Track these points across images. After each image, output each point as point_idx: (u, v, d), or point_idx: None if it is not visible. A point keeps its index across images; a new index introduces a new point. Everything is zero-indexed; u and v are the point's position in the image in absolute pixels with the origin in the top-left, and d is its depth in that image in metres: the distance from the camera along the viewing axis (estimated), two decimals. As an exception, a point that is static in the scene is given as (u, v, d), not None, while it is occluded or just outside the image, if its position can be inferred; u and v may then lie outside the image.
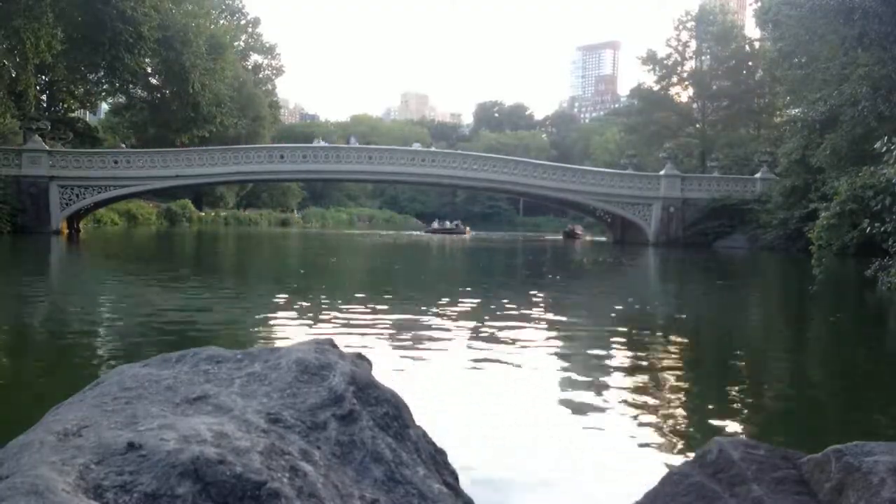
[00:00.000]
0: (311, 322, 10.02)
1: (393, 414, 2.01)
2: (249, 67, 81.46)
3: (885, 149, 15.73)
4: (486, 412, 5.51)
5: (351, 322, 9.98)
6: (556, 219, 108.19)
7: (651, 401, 6.06)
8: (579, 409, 5.63)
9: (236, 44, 75.52)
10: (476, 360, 7.39)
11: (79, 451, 1.58)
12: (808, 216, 29.81)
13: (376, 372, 2.32)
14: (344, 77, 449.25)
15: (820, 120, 33.36)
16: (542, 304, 13.35)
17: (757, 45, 59.87)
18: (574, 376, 6.90)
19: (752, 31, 63.60)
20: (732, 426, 5.45)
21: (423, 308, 11.91)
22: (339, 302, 12.54)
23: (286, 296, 13.53)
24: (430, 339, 8.68)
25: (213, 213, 71.25)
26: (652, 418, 5.48)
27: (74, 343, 8.34)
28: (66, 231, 39.01)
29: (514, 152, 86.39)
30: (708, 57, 62.84)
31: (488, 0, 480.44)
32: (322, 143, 52.49)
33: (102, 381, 2.06)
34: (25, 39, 38.92)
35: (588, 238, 58.03)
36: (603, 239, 53.37)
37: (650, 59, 63.41)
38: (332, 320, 10.09)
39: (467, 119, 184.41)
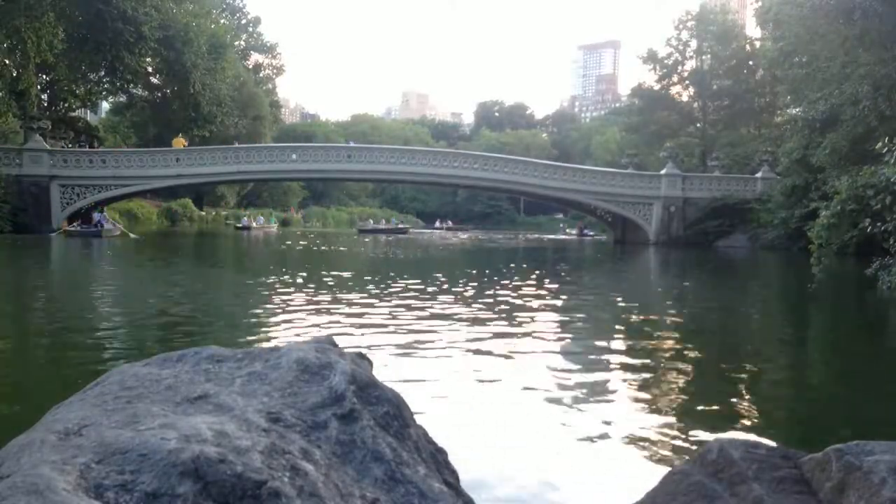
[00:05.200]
0: (311, 321, 10.02)
1: (393, 413, 2.01)
2: (250, 67, 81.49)
3: (885, 150, 15.74)
4: (486, 412, 5.52)
5: (352, 321, 9.98)
6: (558, 217, 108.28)
7: (651, 400, 6.06)
8: (580, 408, 5.63)
9: (237, 43, 75.58)
10: (477, 360, 7.39)
11: (79, 451, 1.58)
12: (808, 215, 29.81)
13: (377, 371, 2.32)
14: (344, 76, 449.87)
15: (821, 119, 33.38)
16: (544, 302, 13.35)
17: (758, 44, 59.86)
18: (575, 376, 6.90)
19: (752, 30, 63.69)
20: (733, 426, 5.45)
21: (424, 306, 11.90)
22: (340, 300, 12.54)
23: (286, 294, 13.52)
24: (432, 337, 8.68)
25: (213, 213, 71.28)
26: (652, 418, 5.48)
27: (75, 342, 8.34)
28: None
29: (515, 152, 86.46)
30: (708, 56, 62.81)
31: (488, 0, 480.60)
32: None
33: (103, 380, 2.06)
34: (26, 39, 38.95)
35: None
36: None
37: (651, 59, 63.42)
38: (333, 319, 10.09)
39: (468, 118, 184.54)
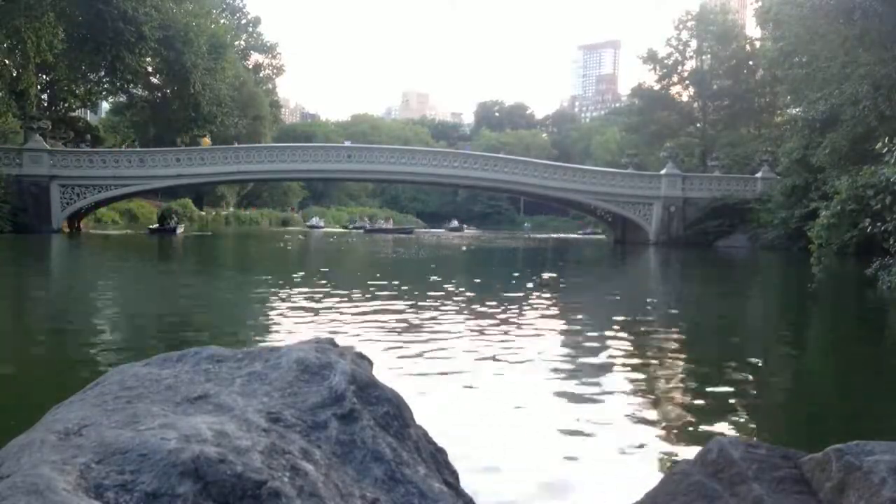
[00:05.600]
0: (311, 321, 10.02)
1: (393, 413, 2.01)
2: (250, 67, 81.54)
3: (885, 150, 15.75)
4: (486, 411, 5.51)
5: (352, 320, 9.98)
6: (558, 217, 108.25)
7: (651, 400, 6.06)
8: (580, 408, 5.63)
9: (237, 43, 75.63)
10: (477, 359, 7.39)
11: (79, 451, 1.58)
12: (808, 215, 29.78)
13: (377, 371, 2.32)
14: (344, 76, 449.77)
15: (821, 119, 33.36)
16: (544, 303, 13.34)
17: (758, 44, 59.84)
18: (575, 375, 6.90)
19: (752, 30, 63.69)
20: (733, 426, 5.45)
21: (425, 306, 11.91)
22: (341, 300, 12.54)
23: (286, 294, 13.52)
24: (432, 337, 8.67)
25: (213, 213, 71.31)
26: (652, 418, 5.48)
27: (75, 342, 8.34)
28: (66, 230, 39.03)
29: (515, 152, 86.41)
30: (708, 56, 62.80)
31: (488, 0, 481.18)
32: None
33: (103, 380, 2.06)
34: (26, 39, 38.98)
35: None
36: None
37: (651, 59, 63.40)
38: (333, 319, 10.09)
39: (468, 118, 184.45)
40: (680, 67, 63.98)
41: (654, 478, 2.08)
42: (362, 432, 1.88)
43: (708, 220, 43.53)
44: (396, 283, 16.71)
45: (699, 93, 63.25)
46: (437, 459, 2.10)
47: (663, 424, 5.33)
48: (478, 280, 19.36)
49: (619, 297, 15.15)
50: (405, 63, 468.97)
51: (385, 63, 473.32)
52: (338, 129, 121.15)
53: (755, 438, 2.00)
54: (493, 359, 7.48)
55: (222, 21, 70.59)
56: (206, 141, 48.74)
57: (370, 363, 2.37)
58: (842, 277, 21.16)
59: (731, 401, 6.33)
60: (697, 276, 23.79)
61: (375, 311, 11.21)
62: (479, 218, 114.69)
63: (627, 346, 8.99)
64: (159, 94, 61.98)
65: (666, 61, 63.31)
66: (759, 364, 8.27)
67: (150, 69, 57.31)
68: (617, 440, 4.84)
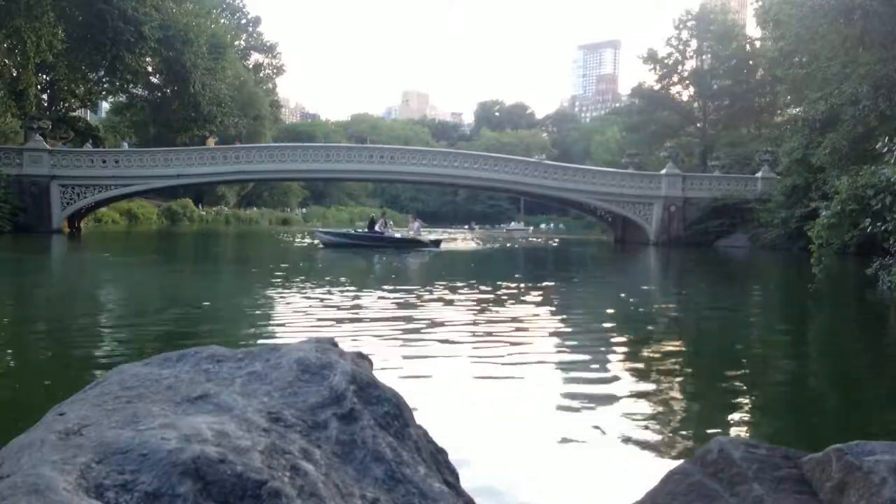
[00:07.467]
0: (312, 321, 10.02)
1: (394, 413, 2.01)
2: (250, 67, 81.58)
3: (885, 149, 15.74)
4: (486, 412, 5.51)
5: (352, 320, 9.98)
6: (558, 217, 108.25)
7: (651, 400, 6.05)
8: (580, 408, 5.63)
9: (237, 43, 75.68)
10: (477, 360, 7.39)
11: (80, 451, 1.58)
12: (808, 215, 29.70)
13: (377, 371, 2.32)
14: (344, 76, 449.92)
15: (821, 119, 33.31)
16: (544, 301, 13.34)
17: (758, 44, 59.83)
18: (575, 376, 6.90)
19: (752, 30, 63.71)
20: (733, 426, 5.45)
21: (425, 307, 11.91)
22: (341, 300, 12.54)
23: (286, 293, 13.52)
24: (432, 337, 8.67)
25: (213, 212, 71.34)
26: (652, 418, 5.48)
27: (75, 342, 8.34)
28: (66, 230, 39.01)
29: (515, 151, 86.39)
30: (709, 56, 62.86)
31: (488, 0, 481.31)
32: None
33: (103, 380, 2.05)
34: (26, 39, 38.99)
35: None
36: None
37: (651, 59, 63.44)
38: (333, 319, 10.09)
39: (468, 118, 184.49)
40: (680, 67, 64.05)
41: (654, 478, 2.08)
42: (362, 432, 1.88)
43: (708, 219, 43.50)
44: (397, 283, 16.70)
45: (699, 93, 63.29)
46: (438, 459, 2.10)
47: (663, 424, 5.33)
48: (474, 279, 19.36)
49: (620, 298, 15.13)
50: (405, 63, 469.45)
51: (385, 63, 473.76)
52: (338, 129, 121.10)
53: (755, 439, 2.00)
54: (495, 359, 7.48)
55: (222, 21, 70.61)
56: (211, 141, 48.41)
57: (370, 363, 2.37)
58: (842, 277, 21.15)
59: (731, 401, 6.33)
60: (697, 276, 23.78)
61: (376, 311, 11.21)
62: (479, 217, 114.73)
63: (628, 346, 9.00)
64: (159, 94, 61.93)
65: (666, 61, 63.36)
66: (760, 364, 8.27)
67: (150, 69, 57.29)
68: (617, 440, 4.84)
